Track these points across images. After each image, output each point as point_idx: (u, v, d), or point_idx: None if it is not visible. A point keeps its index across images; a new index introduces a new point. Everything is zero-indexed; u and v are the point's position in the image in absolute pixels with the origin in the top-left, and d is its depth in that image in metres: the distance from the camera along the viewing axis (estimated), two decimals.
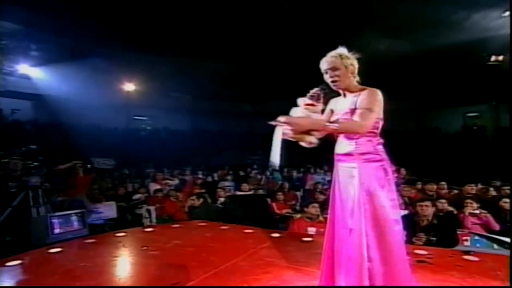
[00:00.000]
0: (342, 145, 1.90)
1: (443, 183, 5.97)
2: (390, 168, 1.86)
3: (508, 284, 2.30)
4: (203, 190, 6.29)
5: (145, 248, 3.37)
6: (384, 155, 1.86)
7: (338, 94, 2.02)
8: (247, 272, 2.68)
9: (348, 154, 1.86)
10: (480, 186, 6.17)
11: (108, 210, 5.61)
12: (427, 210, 3.66)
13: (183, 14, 11.13)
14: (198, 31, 12.82)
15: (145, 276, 2.68)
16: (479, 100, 14.20)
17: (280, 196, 5.90)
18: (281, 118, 1.78)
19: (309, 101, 1.88)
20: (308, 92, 1.98)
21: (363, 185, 1.76)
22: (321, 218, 3.74)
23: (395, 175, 1.97)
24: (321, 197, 5.04)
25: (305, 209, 3.70)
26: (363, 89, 1.88)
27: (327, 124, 1.85)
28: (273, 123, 1.82)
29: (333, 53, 1.91)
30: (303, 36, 10.79)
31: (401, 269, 1.73)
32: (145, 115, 16.49)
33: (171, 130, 15.99)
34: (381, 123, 1.87)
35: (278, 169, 5.78)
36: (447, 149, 12.00)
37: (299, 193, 7.07)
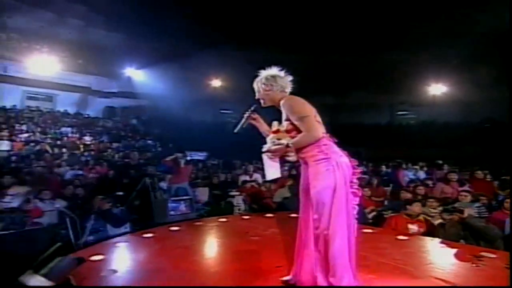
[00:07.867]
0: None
1: None
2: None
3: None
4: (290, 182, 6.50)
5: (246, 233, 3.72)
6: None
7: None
8: None
9: None
10: None
11: (202, 195, 6.47)
12: None
13: (265, 11, 11.45)
14: (278, 27, 13.04)
15: (251, 258, 2.97)
16: None
17: (367, 192, 5.71)
18: (264, 148, 2.06)
19: (275, 128, 2.10)
20: None
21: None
22: (421, 218, 3.58)
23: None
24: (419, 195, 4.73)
25: (408, 206, 3.57)
26: (280, 100, 2.09)
27: (289, 146, 1.96)
28: (264, 151, 2.09)
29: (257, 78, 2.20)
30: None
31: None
32: (230, 108, 17.49)
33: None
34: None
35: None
36: None
37: (388, 189, 6.77)
